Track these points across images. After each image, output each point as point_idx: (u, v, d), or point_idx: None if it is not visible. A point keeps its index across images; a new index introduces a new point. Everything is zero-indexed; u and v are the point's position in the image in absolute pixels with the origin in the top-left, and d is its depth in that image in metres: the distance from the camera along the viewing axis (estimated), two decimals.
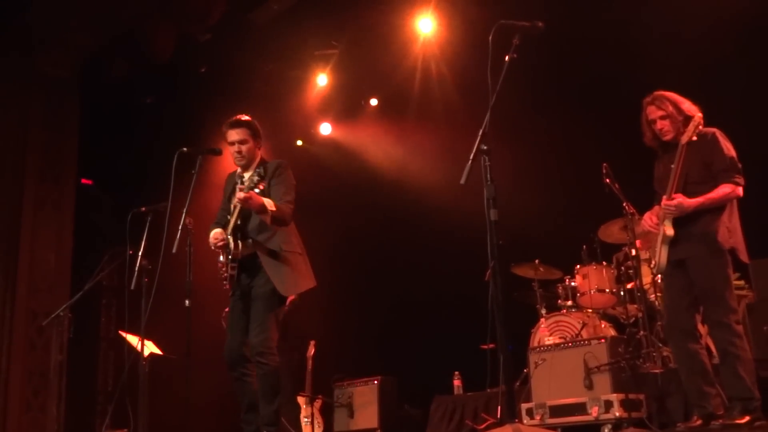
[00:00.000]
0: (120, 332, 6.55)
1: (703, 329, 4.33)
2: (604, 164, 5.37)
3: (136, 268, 4.89)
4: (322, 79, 8.65)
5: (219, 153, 4.79)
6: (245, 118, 4.67)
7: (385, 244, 8.45)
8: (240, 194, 4.32)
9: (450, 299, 7.38)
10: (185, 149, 4.49)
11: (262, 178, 4.24)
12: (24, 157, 8.27)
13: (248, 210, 4.50)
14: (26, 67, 8.25)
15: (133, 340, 5.94)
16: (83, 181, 9.06)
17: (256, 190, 4.28)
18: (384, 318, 8.16)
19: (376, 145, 8.92)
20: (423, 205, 7.94)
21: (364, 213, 8.69)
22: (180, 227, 4.38)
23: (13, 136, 8.23)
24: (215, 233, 4.68)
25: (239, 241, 4.52)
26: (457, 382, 6.46)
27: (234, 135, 4.61)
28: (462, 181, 3.46)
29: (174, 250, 4.26)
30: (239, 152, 4.59)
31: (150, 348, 6.05)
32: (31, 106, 8.34)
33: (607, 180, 5.33)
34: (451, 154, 6.77)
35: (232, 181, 4.84)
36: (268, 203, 4.38)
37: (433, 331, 7.58)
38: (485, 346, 3.60)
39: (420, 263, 7.98)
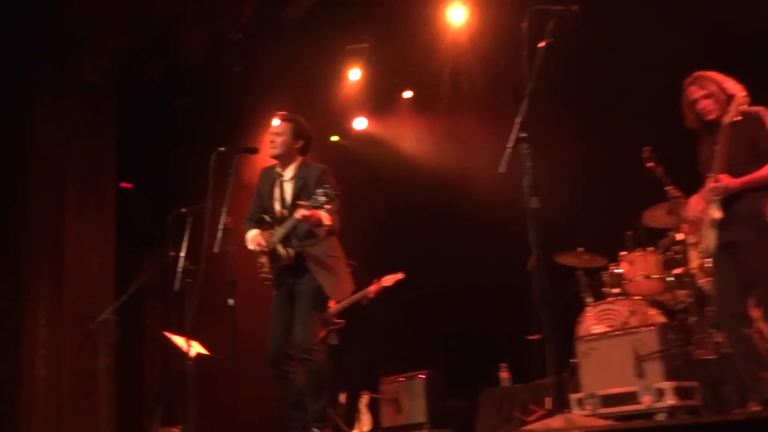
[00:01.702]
0: (165, 333, 6.62)
1: (756, 313, 4.22)
2: (647, 148, 5.28)
3: (179, 270, 5.01)
4: (354, 74, 8.64)
5: (255, 152, 4.87)
6: (293, 115, 4.84)
7: (426, 237, 8.39)
8: (303, 212, 4.39)
9: (494, 290, 7.30)
10: (222, 149, 4.56)
11: (329, 200, 4.28)
12: (66, 164, 8.40)
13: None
14: (64, 75, 8.33)
15: (179, 341, 6.02)
16: (122, 184, 9.21)
17: (321, 211, 4.37)
18: (428, 311, 8.09)
19: (413, 138, 8.87)
20: (463, 195, 7.89)
21: (403, 206, 8.58)
22: (220, 227, 4.41)
23: (55, 144, 8.31)
24: (254, 236, 4.74)
25: (288, 249, 4.61)
26: (504, 374, 6.43)
27: (276, 125, 4.85)
28: (501, 170, 3.45)
29: (216, 250, 4.33)
30: (272, 141, 4.75)
31: (196, 348, 6.11)
32: (71, 113, 8.35)
33: (650, 164, 5.25)
34: (490, 143, 6.76)
35: (269, 177, 4.87)
36: (325, 218, 4.51)
37: (477, 323, 7.52)
38: (531, 337, 3.59)
39: (462, 255, 7.90)
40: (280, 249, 4.61)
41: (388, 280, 6.53)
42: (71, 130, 8.41)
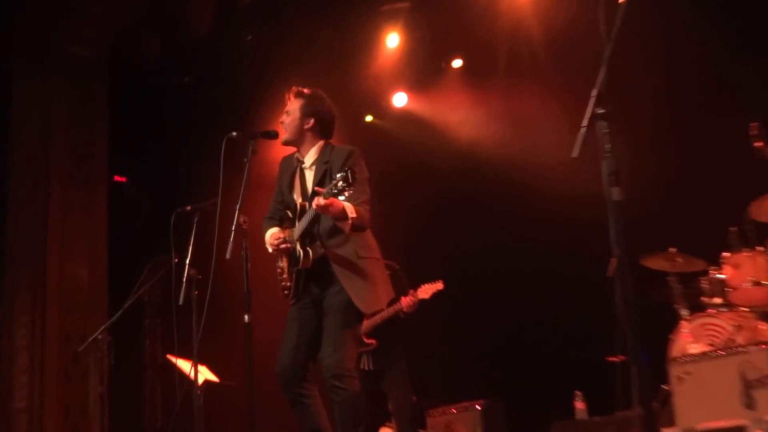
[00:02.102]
0: (168, 357, 6.68)
1: None
2: (754, 124, 5.20)
3: (184, 280, 4.96)
4: (392, 40, 8.68)
5: (275, 136, 4.82)
6: (306, 89, 4.85)
7: (480, 237, 8.35)
8: (320, 200, 4.31)
9: (566, 302, 7.27)
10: (234, 134, 4.56)
11: (349, 184, 4.17)
12: (48, 155, 8.44)
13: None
14: (46, 48, 8.33)
15: (184, 365, 6.03)
16: (116, 178, 9.23)
17: (341, 198, 4.29)
18: (483, 327, 8.06)
19: (463, 116, 8.75)
20: (526, 186, 7.82)
21: (452, 198, 8.63)
22: (233, 228, 4.39)
23: (35, 132, 8.38)
24: (273, 233, 4.77)
25: (308, 249, 4.61)
26: (579, 405, 6.35)
27: (287, 102, 4.88)
28: (574, 154, 3.40)
29: (228, 256, 4.31)
30: (281, 123, 4.82)
31: (205, 374, 6.11)
32: (54, 95, 8.55)
33: (759, 144, 5.17)
34: (559, 122, 6.68)
35: (289, 166, 4.91)
36: (349, 209, 4.44)
37: (546, 342, 7.49)
38: (613, 359, 3.54)
39: (525, 258, 7.80)
40: (298, 249, 4.61)
41: (425, 291, 6.39)
42: (55, 114, 8.44)
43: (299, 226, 4.67)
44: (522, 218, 7.97)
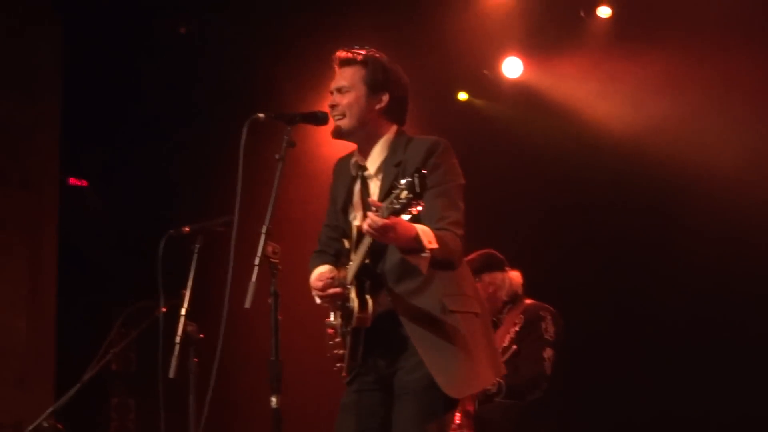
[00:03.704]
0: None
1: None
2: None
3: (177, 340, 4.95)
4: None
5: (324, 120, 4.66)
6: (363, 51, 4.78)
7: (623, 250, 8.56)
8: (372, 220, 4.09)
9: (746, 334, 7.59)
10: (262, 115, 4.47)
11: (417, 195, 3.90)
12: None
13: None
14: None
15: None
16: (72, 181, 9.21)
17: (405, 217, 4.03)
18: (625, 359, 8.37)
19: (608, 91, 8.75)
20: (694, 189, 8.04)
21: (583, 206, 8.78)
22: (256, 262, 4.25)
23: None
24: (320, 273, 4.66)
25: (366, 297, 4.52)
26: None
27: (337, 77, 4.74)
28: None
29: (247, 305, 4.15)
30: (333, 105, 4.70)
31: None
32: None
33: None
34: (746, 102, 6.67)
35: (346, 175, 4.79)
36: (425, 234, 4.24)
37: (714, 382, 7.82)
38: None
39: (688, 278, 8.11)
40: (352, 298, 4.51)
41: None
42: None
43: (354, 262, 4.51)
44: (684, 231, 8.27)
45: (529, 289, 7.38)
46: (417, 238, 4.17)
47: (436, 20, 8.76)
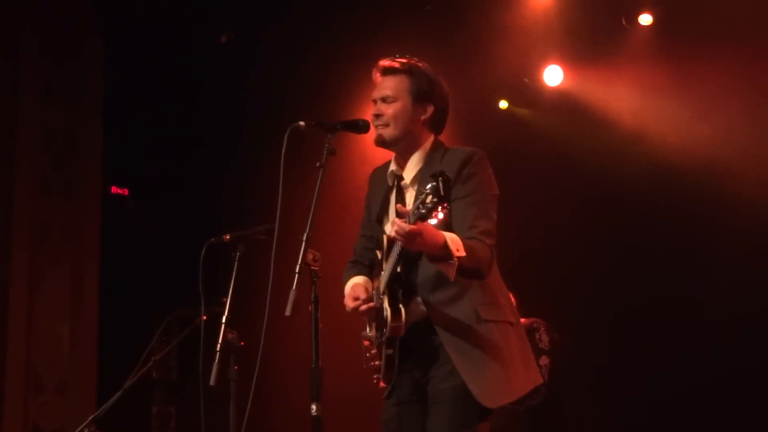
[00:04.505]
0: None
1: None
2: None
3: (218, 348, 5.04)
4: None
5: (365, 129, 4.76)
6: (406, 60, 4.77)
7: (664, 261, 8.57)
8: (399, 226, 4.13)
9: None
10: (302, 123, 4.58)
11: (441, 198, 3.93)
12: (12, 155, 8.49)
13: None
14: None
15: None
16: (113, 190, 9.22)
17: (432, 221, 4.03)
18: (661, 377, 8.38)
19: (648, 99, 8.78)
20: (734, 201, 8.06)
21: (625, 217, 8.81)
22: (297, 270, 4.34)
23: None
24: (354, 284, 4.73)
25: (400, 307, 4.53)
26: None
27: (380, 86, 4.73)
28: None
29: (288, 313, 4.24)
30: (378, 115, 4.69)
31: None
32: (19, 63, 8.62)
33: None
34: None
35: (382, 185, 4.84)
36: (453, 242, 4.25)
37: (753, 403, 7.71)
38: None
39: (724, 301, 8.14)
40: (386, 307, 4.53)
41: None
42: (22, 94, 8.72)
43: (385, 271, 4.55)
44: (724, 242, 8.31)
45: (570, 296, 7.44)
46: (445, 246, 4.17)
47: (476, 28, 8.89)
